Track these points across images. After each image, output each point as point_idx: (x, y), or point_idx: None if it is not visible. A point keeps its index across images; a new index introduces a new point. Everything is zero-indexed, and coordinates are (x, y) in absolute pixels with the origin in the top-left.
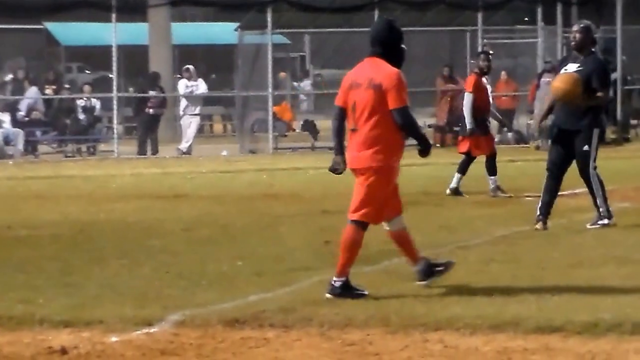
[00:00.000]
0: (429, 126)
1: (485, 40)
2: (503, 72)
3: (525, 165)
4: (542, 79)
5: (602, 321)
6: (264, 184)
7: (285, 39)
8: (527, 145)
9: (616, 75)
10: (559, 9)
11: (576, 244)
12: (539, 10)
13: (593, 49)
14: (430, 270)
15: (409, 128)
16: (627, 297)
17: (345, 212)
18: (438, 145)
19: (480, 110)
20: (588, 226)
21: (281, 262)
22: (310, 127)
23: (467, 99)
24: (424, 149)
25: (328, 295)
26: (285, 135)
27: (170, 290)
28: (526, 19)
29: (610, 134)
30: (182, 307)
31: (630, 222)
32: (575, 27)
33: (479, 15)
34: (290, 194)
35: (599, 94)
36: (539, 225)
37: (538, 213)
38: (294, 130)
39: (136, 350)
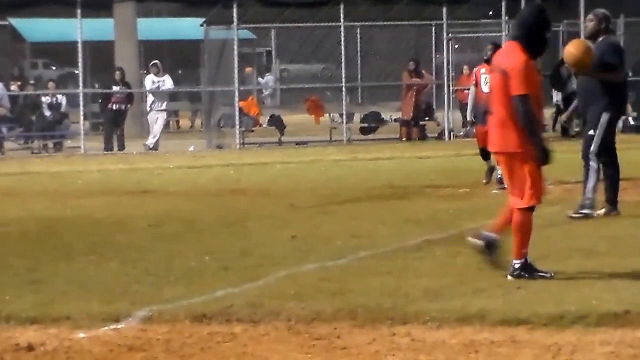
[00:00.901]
0: (395, 120)
1: (450, 35)
2: (465, 67)
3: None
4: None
5: (568, 313)
6: (231, 179)
7: (251, 34)
8: None
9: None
10: (523, 3)
11: (543, 237)
12: (504, 5)
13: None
14: (491, 246)
15: (523, 118)
16: (592, 289)
17: (312, 207)
18: (404, 139)
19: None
20: (571, 214)
21: (249, 257)
22: (277, 122)
23: (471, 93)
24: (538, 155)
25: (509, 278)
26: (252, 131)
27: (137, 286)
28: (491, 13)
29: (574, 127)
30: (150, 303)
31: None
32: (589, 16)
33: (444, 10)
34: (257, 189)
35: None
36: (599, 212)
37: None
38: (260, 125)
39: (104, 346)
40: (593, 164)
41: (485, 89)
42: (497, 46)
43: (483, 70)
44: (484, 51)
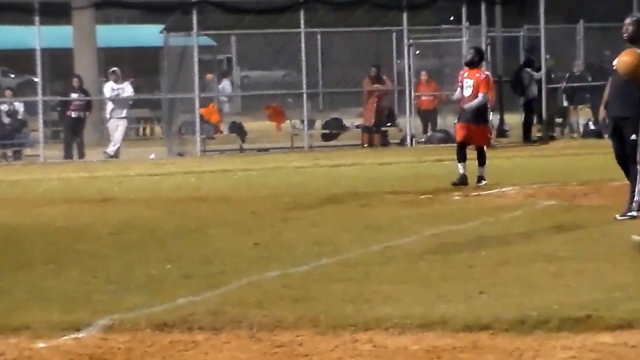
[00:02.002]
0: (357, 126)
1: (411, 40)
2: (423, 73)
3: (452, 164)
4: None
5: (530, 318)
6: (192, 186)
7: (211, 41)
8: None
9: (541, 74)
10: (483, 8)
11: (504, 242)
12: (464, 10)
13: None
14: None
15: None
16: (554, 294)
17: (274, 214)
18: (366, 145)
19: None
20: (617, 217)
21: (210, 265)
22: (238, 129)
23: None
24: None
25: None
26: (213, 138)
27: (98, 294)
28: (452, 18)
29: (536, 132)
30: (111, 312)
31: (557, 220)
32: (627, 20)
33: (404, 15)
34: (218, 197)
35: None
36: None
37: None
38: (221, 132)
39: (64, 355)
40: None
41: (466, 92)
42: (478, 50)
43: (466, 74)
44: (465, 55)
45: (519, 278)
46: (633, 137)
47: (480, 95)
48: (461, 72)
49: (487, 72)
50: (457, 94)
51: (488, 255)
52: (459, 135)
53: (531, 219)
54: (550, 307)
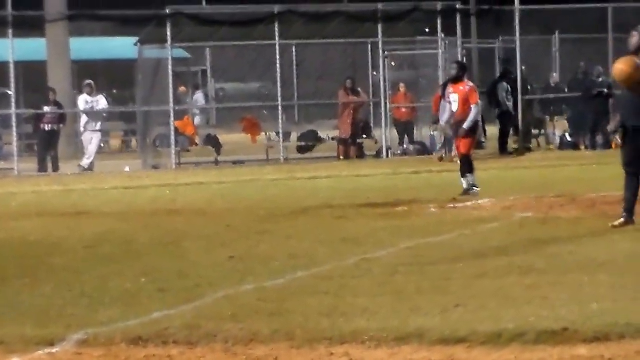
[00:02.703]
0: (332, 139)
1: (386, 52)
2: (401, 85)
3: (429, 176)
4: (448, 90)
5: (506, 331)
6: (167, 199)
7: (185, 53)
8: (431, 157)
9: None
10: (459, 20)
11: (481, 254)
12: (439, 22)
13: None
14: None
15: None
16: (530, 306)
17: (249, 227)
18: (342, 157)
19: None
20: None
21: (185, 278)
22: (213, 142)
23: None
24: None
25: None
26: (188, 150)
27: (72, 308)
28: (427, 30)
29: (512, 144)
30: (85, 326)
31: (533, 232)
32: (633, 32)
33: (380, 27)
34: (193, 209)
35: None
36: (617, 222)
37: (622, 210)
38: (196, 144)
39: None
40: None
41: (454, 107)
42: (460, 65)
43: (451, 90)
44: (449, 69)
45: (496, 291)
46: None
47: (473, 107)
48: (447, 91)
49: (471, 83)
50: (446, 117)
51: (464, 267)
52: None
53: (508, 231)
54: (527, 320)
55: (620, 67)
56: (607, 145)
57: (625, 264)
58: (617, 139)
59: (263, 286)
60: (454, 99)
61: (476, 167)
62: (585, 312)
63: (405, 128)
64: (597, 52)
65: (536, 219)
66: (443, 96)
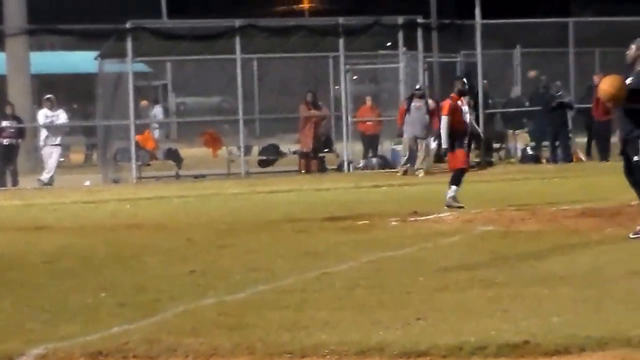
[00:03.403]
0: (294, 152)
1: (347, 66)
2: (368, 98)
3: (390, 190)
4: (413, 104)
5: (467, 344)
6: (128, 213)
7: (146, 67)
8: (394, 170)
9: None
10: (420, 34)
11: (442, 267)
12: (401, 36)
13: None
14: None
15: None
16: (491, 319)
17: (210, 241)
18: (303, 171)
19: (456, 130)
20: (630, 236)
21: (145, 293)
22: (173, 156)
23: (443, 122)
24: None
25: None
26: (149, 164)
27: (31, 323)
28: (388, 44)
29: (473, 158)
30: (45, 341)
31: (494, 246)
32: (631, 45)
33: (341, 41)
34: (154, 224)
35: None
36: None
37: None
38: (157, 159)
39: None
40: None
41: (466, 118)
42: (463, 80)
43: (459, 103)
44: (455, 84)
45: (457, 304)
46: (635, 158)
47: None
48: (454, 101)
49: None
50: (445, 121)
51: (425, 281)
52: (464, 161)
53: (469, 244)
54: (488, 332)
55: (604, 88)
56: (568, 158)
57: (586, 277)
58: (579, 152)
59: (223, 300)
60: (465, 112)
61: (438, 181)
62: (546, 325)
63: (370, 141)
64: (558, 66)
65: (497, 233)
66: (408, 110)
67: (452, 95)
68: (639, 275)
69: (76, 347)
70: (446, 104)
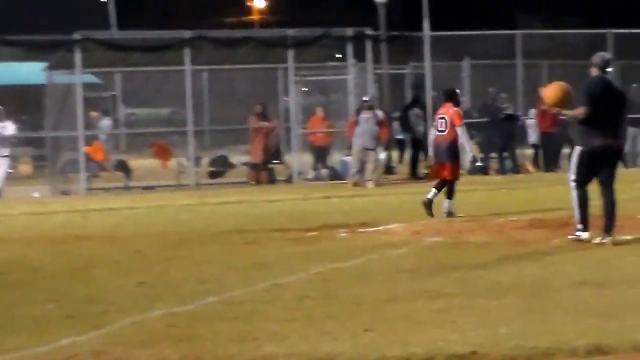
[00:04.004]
0: (244, 164)
1: (297, 78)
2: (319, 109)
3: (339, 201)
4: (361, 115)
5: (415, 355)
6: (77, 225)
7: (95, 79)
8: (343, 182)
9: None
10: (369, 46)
11: (390, 279)
12: (349, 47)
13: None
14: None
15: None
16: (439, 330)
17: (159, 253)
18: (253, 182)
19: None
20: (568, 237)
21: (94, 304)
22: (123, 167)
23: (463, 132)
24: None
25: None
26: (98, 176)
27: None
28: (338, 55)
29: (422, 169)
30: None
31: (442, 257)
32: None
33: (290, 53)
34: (103, 235)
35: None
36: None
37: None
38: (106, 170)
39: None
40: (571, 191)
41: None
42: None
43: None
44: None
45: (405, 315)
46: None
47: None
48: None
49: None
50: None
51: (374, 292)
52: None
53: (417, 255)
54: (436, 343)
55: (547, 94)
56: (516, 169)
57: (533, 287)
58: (527, 164)
59: (172, 312)
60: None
61: (387, 192)
62: (494, 336)
63: (320, 153)
64: (506, 78)
65: (446, 244)
66: (357, 121)
67: (447, 104)
68: (585, 286)
69: (24, 359)
70: (456, 114)
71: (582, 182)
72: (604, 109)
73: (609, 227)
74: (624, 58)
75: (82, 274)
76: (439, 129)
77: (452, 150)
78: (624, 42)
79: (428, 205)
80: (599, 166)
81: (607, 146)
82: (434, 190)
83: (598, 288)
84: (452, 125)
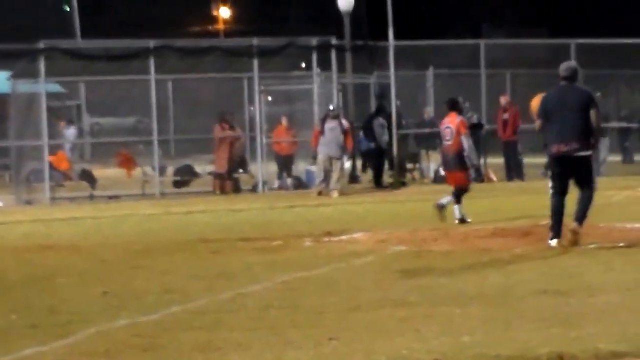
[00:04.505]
0: (209, 173)
1: (262, 87)
2: (284, 118)
3: (304, 211)
4: (327, 125)
5: None
6: (41, 235)
7: (60, 88)
8: (308, 191)
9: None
10: (334, 55)
11: (355, 288)
12: (315, 57)
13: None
14: None
15: None
16: (403, 339)
17: (124, 262)
18: (218, 192)
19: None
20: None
21: (58, 315)
22: (88, 177)
23: (467, 139)
24: None
25: None
26: (63, 185)
27: None
28: (303, 65)
29: (387, 178)
30: None
31: (406, 266)
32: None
33: (255, 62)
34: (68, 245)
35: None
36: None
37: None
38: (71, 180)
39: None
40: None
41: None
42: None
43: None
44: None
45: (369, 324)
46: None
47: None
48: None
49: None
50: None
51: (338, 301)
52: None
53: (382, 264)
54: (400, 352)
55: (533, 105)
56: (480, 179)
57: (496, 296)
58: (491, 173)
59: (137, 322)
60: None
61: (352, 201)
62: (457, 345)
63: (285, 162)
64: (470, 88)
65: (410, 253)
66: (322, 131)
67: (453, 114)
68: (548, 295)
69: None
70: (462, 123)
71: (555, 190)
72: (558, 118)
73: (579, 216)
74: (587, 68)
75: (47, 284)
76: (446, 138)
77: (461, 158)
78: (587, 52)
79: (462, 220)
80: (564, 173)
81: (562, 153)
82: (457, 206)
83: (561, 297)
84: (459, 134)
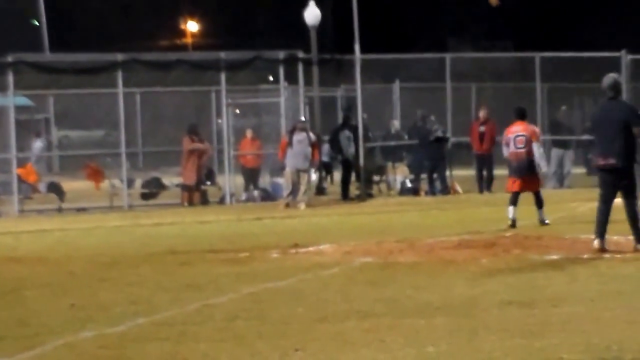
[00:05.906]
0: (177, 185)
1: (229, 100)
2: (248, 131)
3: (271, 222)
4: (295, 137)
5: None
6: (8, 247)
7: (28, 101)
8: (276, 203)
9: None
10: (301, 69)
11: (321, 299)
12: (281, 70)
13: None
14: None
15: None
16: (368, 350)
17: (91, 274)
18: (186, 204)
19: None
20: None
21: (25, 326)
22: (56, 189)
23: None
24: None
25: None
26: (31, 198)
27: None
28: (270, 78)
29: (354, 190)
30: None
31: (372, 277)
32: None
33: (222, 76)
34: (35, 257)
35: None
36: None
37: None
38: (39, 192)
39: None
40: None
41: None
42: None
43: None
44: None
45: (335, 335)
46: None
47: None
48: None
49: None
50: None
51: (304, 312)
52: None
53: (348, 276)
54: None
55: None
56: (445, 190)
57: (461, 307)
58: (457, 185)
59: (103, 333)
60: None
61: (318, 213)
62: (422, 355)
63: (251, 174)
64: (436, 100)
65: (376, 264)
66: (290, 143)
67: (522, 122)
68: (512, 305)
69: None
70: (534, 131)
71: (600, 197)
72: (601, 132)
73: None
74: (551, 81)
75: (14, 296)
76: (518, 145)
77: (533, 164)
78: (552, 65)
79: (513, 224)
80: (606, 183)
81: (601, 167)
82: (511, 207)
83: (525, 307)
84: (530, 141)
